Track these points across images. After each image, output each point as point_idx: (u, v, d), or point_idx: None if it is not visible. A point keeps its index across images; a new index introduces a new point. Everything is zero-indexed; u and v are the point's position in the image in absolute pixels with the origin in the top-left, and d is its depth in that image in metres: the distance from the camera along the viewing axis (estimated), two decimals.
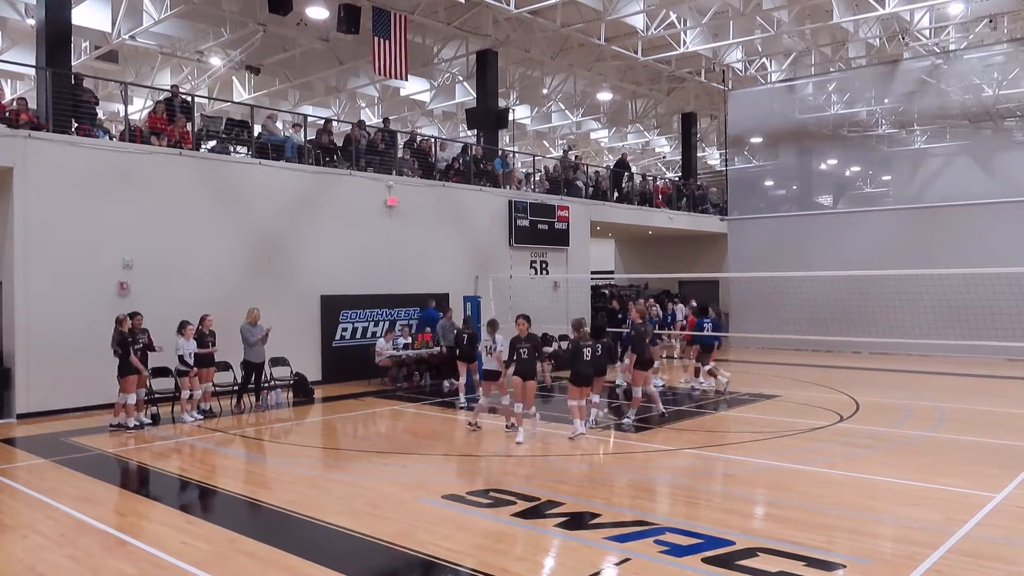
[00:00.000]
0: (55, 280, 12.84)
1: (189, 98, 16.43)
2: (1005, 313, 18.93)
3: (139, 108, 24.71)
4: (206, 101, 23.98)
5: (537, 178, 23.69)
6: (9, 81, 23.85)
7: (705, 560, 5.92)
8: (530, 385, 10.66)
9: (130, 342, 11.61)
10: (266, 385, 13.87)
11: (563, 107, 30.84)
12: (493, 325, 11.79)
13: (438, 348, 16.52)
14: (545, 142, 36.98)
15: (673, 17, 21.20)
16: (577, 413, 10.69)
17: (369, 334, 17.13)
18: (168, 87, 17.23)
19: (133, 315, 11.97)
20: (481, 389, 11.86)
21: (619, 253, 32.10)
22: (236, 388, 13.42)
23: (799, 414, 12.46)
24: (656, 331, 16.27)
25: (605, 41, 21.88)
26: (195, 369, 12.43)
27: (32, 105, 14.43)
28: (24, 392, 12.58)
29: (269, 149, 16.29)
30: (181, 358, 12.29)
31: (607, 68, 25.91)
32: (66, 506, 7.59)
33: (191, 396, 12.46)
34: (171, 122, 14.87)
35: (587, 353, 10.59)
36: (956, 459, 9.36)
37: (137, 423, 11.84)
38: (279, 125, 18.31)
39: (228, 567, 5.97)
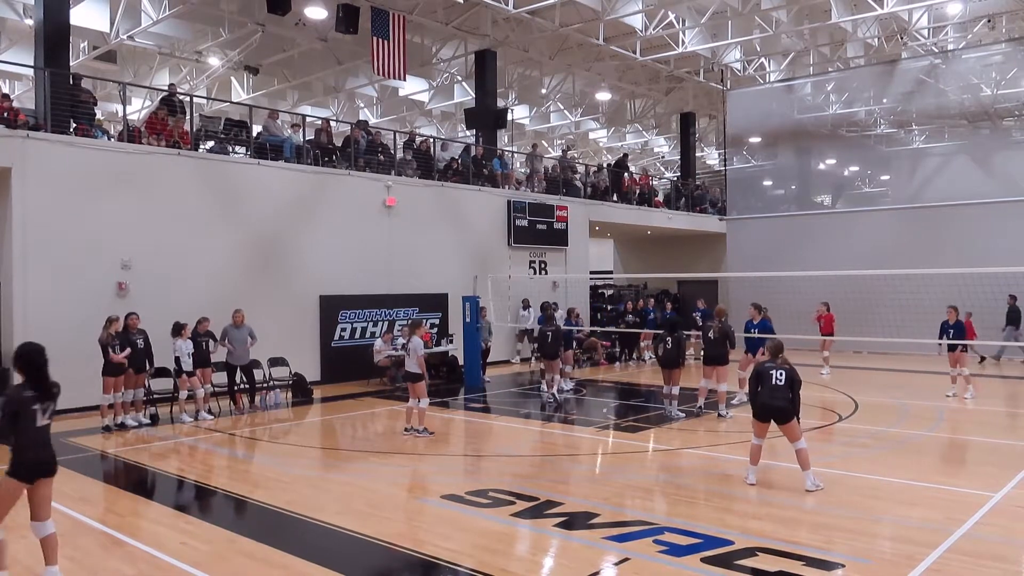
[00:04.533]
0: (54, 280, 12.82)
1: (187, 97, 16.40)
2: (1004, 312, 18.95)
3: (138, 108, 24.70)
4: (205, 101, 23.96)
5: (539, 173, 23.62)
6: (7, 81, 23.83)
7: (704, 560, 5.91)
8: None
9: (112, 344, 11.52)
10: (264, 385, 13.86)
11: (562, 107, 30.83)
12: (415, 325, 11.23)
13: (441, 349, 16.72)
14: (544, 142, 36.98)
15: (672, 17, 21.20)
16: (755, 456, 8.21)
17: (368, 334, 17.12)
18: (166, 87, 17.21)
19: (129, 315, 11.97)
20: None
21: (618, 253, 32.10)
22: (227, 390, 13.38)
23: None
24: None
25: (604, 41, 21.87)
26: (197, 371, 12.42)
27: (29, 105, 14.41)
28: None
29: (268, 149, 16.28)
30: (178, 359, 12.27)
31: (606, 68, 25.89)
32: (65, 507, 7.57)
33: (191, 397, 12.45)
34: (171, 120, 14.84)
35: (774, 376, 7.97)
36: (955, 459, 9.37)
37: (136, 423, 11.84)
38: (279, 123, 18.26)
39: (227, 567, 5.96)
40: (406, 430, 11.06)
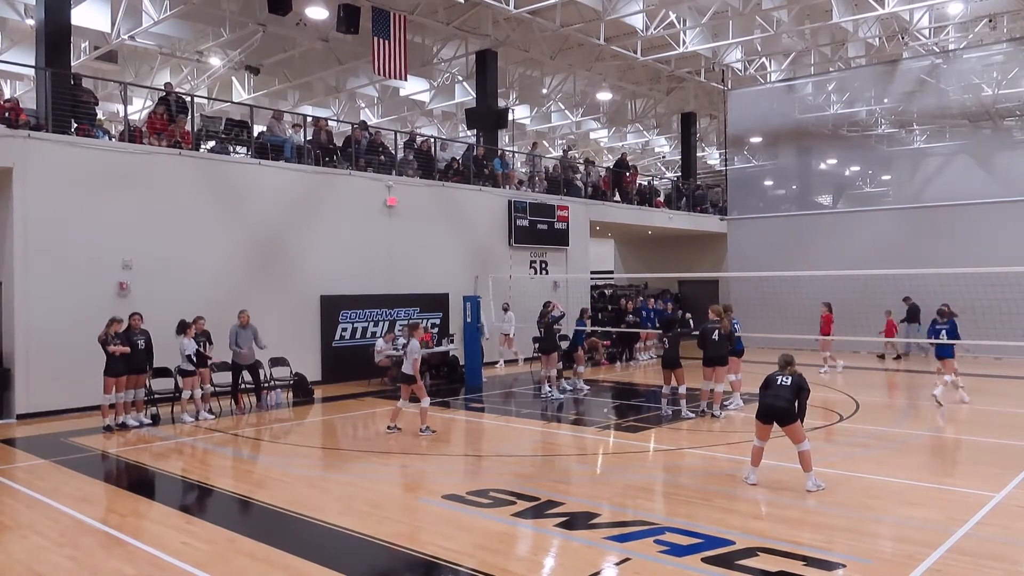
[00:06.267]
0: (55, 280, 12.83)
1: (187, 97, 16.39)
2: (1005, 312, 18.94)
3: (139, 108, 24.71)
4: (205, 101, 23.97)
5: (540, 172, 23.60)
6: (9, 81, 23.84)
7: (705, 560, 5.92)
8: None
9: (112, 343, 11.50)
10: (266, 385, 13.86)
11: (563, 107, 30.84)
12: (413, 328, 11.40)
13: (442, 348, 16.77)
14: (545, 142, 36.98)
15: (672, 17, 21.19)
16: (757, 457, 8.25)
17: (369, 334, 17.13)
18: (164, 87, 17.20)
19: (132, 315, 11.97)
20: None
21: (618, 253, 32.10)
22: (231, 389, 13.39)
23: None
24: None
25: (604, 41, 21.87)
26: (199, 370, 12.42)
27: (30, 105, 14.42)
28: (24, 392, 12.57)
29: (268, 149, 16.28)
30: (189, 358, 12.25)
31: (606, 68, 25.89)
32: (66, 506, 7.59)
33: (191, 396, 12.45)
34: (171, 122, 14.85)
35: (779, 380, 8.06)
36: (956, 459, 9.36)
37: (137, 423, 11.85)
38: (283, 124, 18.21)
39: (228, 567, 5.96)
40: (389, 428, 11.24)
